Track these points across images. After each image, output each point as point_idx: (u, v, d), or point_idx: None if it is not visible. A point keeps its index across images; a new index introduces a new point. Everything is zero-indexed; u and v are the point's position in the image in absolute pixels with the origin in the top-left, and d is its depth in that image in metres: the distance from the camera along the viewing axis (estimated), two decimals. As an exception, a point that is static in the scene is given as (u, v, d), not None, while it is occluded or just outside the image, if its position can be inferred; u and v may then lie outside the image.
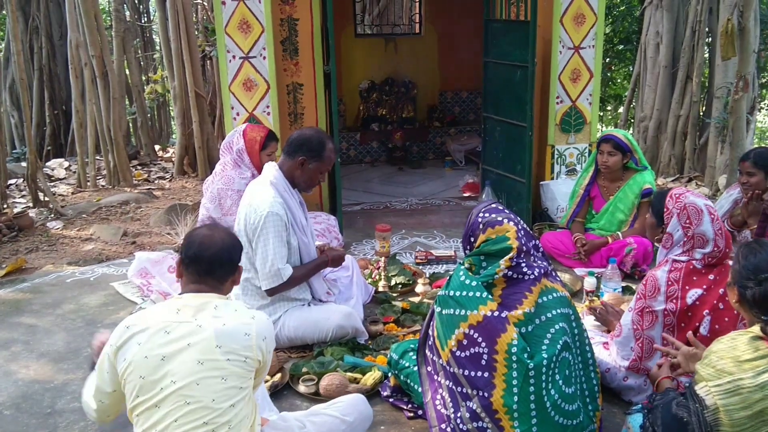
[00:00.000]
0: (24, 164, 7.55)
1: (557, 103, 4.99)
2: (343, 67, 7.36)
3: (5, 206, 5.65)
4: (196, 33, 7.87)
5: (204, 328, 1.92)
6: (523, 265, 2.32)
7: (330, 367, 2.94)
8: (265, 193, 3.07)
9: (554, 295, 2.37)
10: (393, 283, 3.95)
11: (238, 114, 4.69)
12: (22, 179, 6.97)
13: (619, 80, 10.77)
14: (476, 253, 2.39)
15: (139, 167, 8.08)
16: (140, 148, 8.77)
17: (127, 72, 8.82)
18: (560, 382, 2.27)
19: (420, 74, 7.83)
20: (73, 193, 6.86)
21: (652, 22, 7.35)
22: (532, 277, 2.33)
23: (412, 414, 2.69)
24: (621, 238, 4.15)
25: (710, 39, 6.93)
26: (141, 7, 9.95)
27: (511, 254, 2.31)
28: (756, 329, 1.94)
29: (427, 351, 2.48)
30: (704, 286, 2.56)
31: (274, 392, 2.82)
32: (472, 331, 2.26)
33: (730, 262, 2.62)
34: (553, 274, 2.47)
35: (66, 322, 3.67)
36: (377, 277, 3.96)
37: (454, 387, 2.31)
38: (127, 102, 8.92)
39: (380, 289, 3.86)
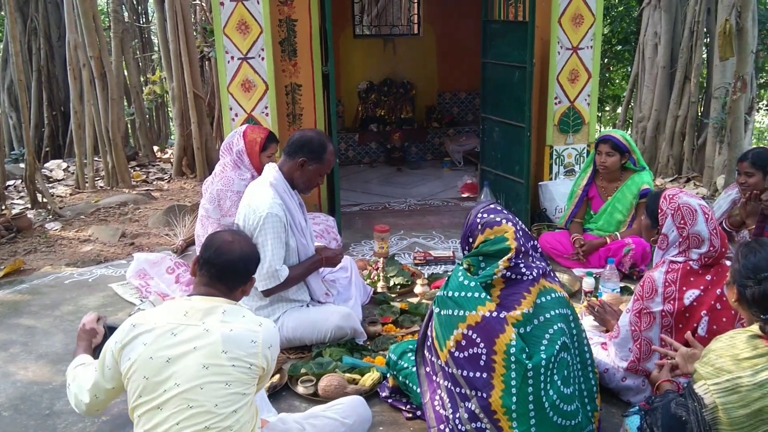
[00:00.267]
0: (22, 165, 7.54)
1: (555, 103, 5.00)
2: (341, 67, 7.36)
3: (3, 207, 5.65)
4: (195, 34, 7.87)
5: (211, 333, 1.92)
6: (522, 265, 2.32)
7: (328, 368, 2.93)
8: (265, 194, 3.07)
9: (553, 295, 2.36)
10: (391, 283, 3.95)
11: (236, 115, 4.69)
12: (20, 180, 6.96)
13: (617, 81, 10.78)
14: (475, 253, 2.39)
15: (137, 168, 8.08)
16: (138, 149, 8.77)
17: (126, 73, 8.82)
18: (559, 382, 2.27)
19: (418, 75, 7.84)
20: (71, 194, 6.86)
21: (651, 22, 7.37)
22: (530, 277, 2.33)
23: (410, 415, 2.69)
24: (619, 239, 4.15)
25: (708, 39, 6.94)
26: (139, 8, 9.95)
27: (509, 255, 2.31)
28: (755, 328, 1.95)
29: (425, 352, 2.48)
30: (701, 287, 2.56)
31: (273, 393, 2.82)
32: (470, 332, 2.26)
33: (728, 263, 2.64)
34: (552, 274, 2.47)
35: (64, 323, 3.66)
36: (376, 277, 3.96)
37: (452, 388, 2.31)
38: (125, 103, 8.92)
39: (379, 289, 3.87)
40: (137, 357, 1.90)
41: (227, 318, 1.97)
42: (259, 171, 4.01)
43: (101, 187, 7.16)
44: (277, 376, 2.93)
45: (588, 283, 3.61)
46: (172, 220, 5.16)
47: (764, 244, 2.05)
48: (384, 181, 6.79)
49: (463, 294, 2.32)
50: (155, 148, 9.09)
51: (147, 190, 6.98)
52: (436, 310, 2.40)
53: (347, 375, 2.90)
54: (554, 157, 5.10)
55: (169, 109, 9.99)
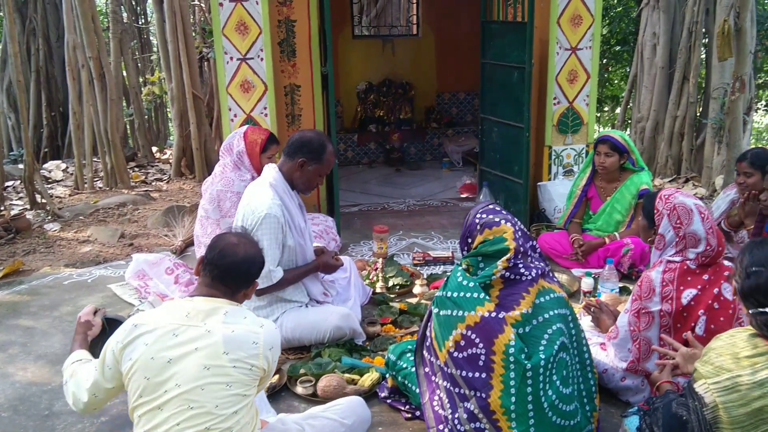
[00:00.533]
0: (21, 166, 7.54)
1: (554, 104, 5.00)
2: (340, 68, 7.36)
3: (2, 208, 5.64)
4: (194, 35, 7.86)
5: (212, 334, 1.92)
6: (521, 266, 2.32)
7: (327, 369, 2.93)
8: (264, 195, 3.07)
9: (551, 295, 2.37)
10: (390, 284, 3.95)
11: (235, 115, 4.69)
12: (19, 181, 6.95)
13: (616, 81, 10.79)
14: (474, 254, 2.39)
15: (136, 169, 8.07)
16: (137, 150, 8.76)
17: (124, 73, 8.81)
18: (557, 382, 2.28)
19: (417, 75, 7.84)
20: (70, 195, 6.85)
21: (649, 23, 7.37)
22: (529, 278, 2.33)
23: (409, 415, 2.69)
24: (618, 239, 4.15)
25: (707, 40, 6.94)
26: (138, 9, 9.94)
27: (508, 255, 2.31)
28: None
29: (424, 352, 2.48)
30: (699, 286, 2.57)
31: (272, 394, 2.82)
32: (469, 332, 2.26)
33: (725, 262, 2.64)
34: (551, 274, 2.47)
35: (63, 324, 3.66)
36: (375, 278, 3.96)
37: (451, 388, 2.31)
38: (124, 103, 8.91)
39: (378, 290, 3.86)
40: (138, 357, 1.90)
41: (229, 319, 1.97)
42: (259, 172, 3.99)
43: (100, 187, 7.16)
44: (276, 377, 2.93)
45: (587, 284, 3.61)
46: (171, 221, 5.15)
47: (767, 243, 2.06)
48: (383, 182, 6.79)
49: (462, 294, 2.32)
50: (154, 148, 9.08)
51: (146, 190, 6.98)
52: (435, 310, 2.40)
53: (346, 375, 2.90)
54: (553, 157, 5.11)
55: (168, 109, 9.98)
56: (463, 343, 2.27)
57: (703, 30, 6.89)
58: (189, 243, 4.74)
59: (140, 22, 9.99)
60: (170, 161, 8.17)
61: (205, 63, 8.35)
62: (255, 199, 3.07)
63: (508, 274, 2.31)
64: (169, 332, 1.92)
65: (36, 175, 6.05)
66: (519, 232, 2.39)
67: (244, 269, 2.08)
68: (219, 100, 5.23)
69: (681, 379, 2.53)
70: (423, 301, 3.75)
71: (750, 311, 1.93)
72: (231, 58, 4.59)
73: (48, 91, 9.01)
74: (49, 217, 5.76)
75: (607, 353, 2.80)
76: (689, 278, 2.58)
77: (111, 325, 2.33)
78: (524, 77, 4.60)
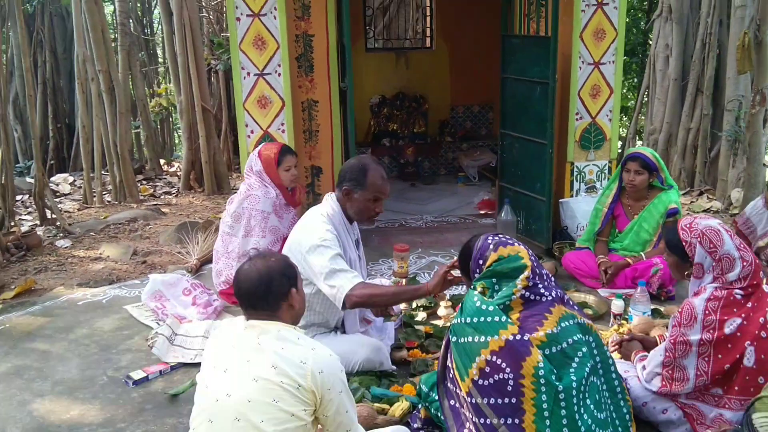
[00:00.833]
0: (28, 179, 7.47)
1: (577, 119, 4.91)
2: (353, 81, 7.27)
3: (12, 224, 5.54)
4: (202, 47, 7.81)
5: (264, 349, 1.97)
6: (540, 286, 2.28)
7: (355, 396, 2.83)
8: (319, 224, 2.93)
9: (573, 321, 2.32)
10: (414, 305, 3.85)
11: (252, 132, 4.60)
12: (27, 195, 6.87)
13: (624, 92, 10.75)
14: (488, 273, 2.33)
15: (144, 182, 7.99)
16: (145, 163, 8.68)
17: (131, 85, 8.75)
18: (591, 406, 2.22)
19: (431, 88, 7.75)
20: (78, 210, 6.76)
21: (662, 34, 7.32)
22: (549, 298, 2.28)
23: (445, 448, 2.59)
24: (644, 259, 4.06)
25: (720, 52, 6.88)
26: (144, 20, 9.91)
27: (527, 273, 2.26)
28: None
29: (449, 384, 2.39)
30: (743, 315, 2.49)
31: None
32: (494, 357, 2.19)
33: (766, 288, 2.57)
34: (570, 302, 2.41)
35: (80, 347, 3.56)
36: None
37: (477, 420, 2.23)
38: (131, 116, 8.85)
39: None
40: (203, 364, 2.08)
41: (281, 337, 2.01)
42: (281, 186, 3.98)
43: (109, 201, 7.07)
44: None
45: (617, 306, 3.51)
46: (184, 238, 5.06)
47: None
48: (398, 197, 6.66)
49: (482, 319, 2.25)
50: (161, 161, 9.01)
51: (155, 204, 6.89)
52: (454, 339, 2.32)
53: (376, 405, 2.80)
54: (575, 173, 5.01)
55: (175, 122, 9.93)
56: (488, 369, 2.20)
57: (717, 42, 6.82)
58: (205, 261, 4.65)
59: (147, 34, 9.95)
60: (178, 174, 8.10)
61: (214, 75, 8.30)
62: (308, 227, 2.94)
63: (528, 294, 2.26)
64: (228, 344, 2.04)
65: (46, 190, 5.96)
66: (533, 257, 2.35)
67: (262, 290, 2.04)
68: (227, 113, 5.14)
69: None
70: (449, 323, 3.64)
71: None
72: (248, 74, 4.51)
73: (54, 103, 8.96)
74: (60, 234, 5.66)
75: (641, 384, 2.72)
76: (735, 309, 2.50)
77: None
78: (547, 92, 4.52)
